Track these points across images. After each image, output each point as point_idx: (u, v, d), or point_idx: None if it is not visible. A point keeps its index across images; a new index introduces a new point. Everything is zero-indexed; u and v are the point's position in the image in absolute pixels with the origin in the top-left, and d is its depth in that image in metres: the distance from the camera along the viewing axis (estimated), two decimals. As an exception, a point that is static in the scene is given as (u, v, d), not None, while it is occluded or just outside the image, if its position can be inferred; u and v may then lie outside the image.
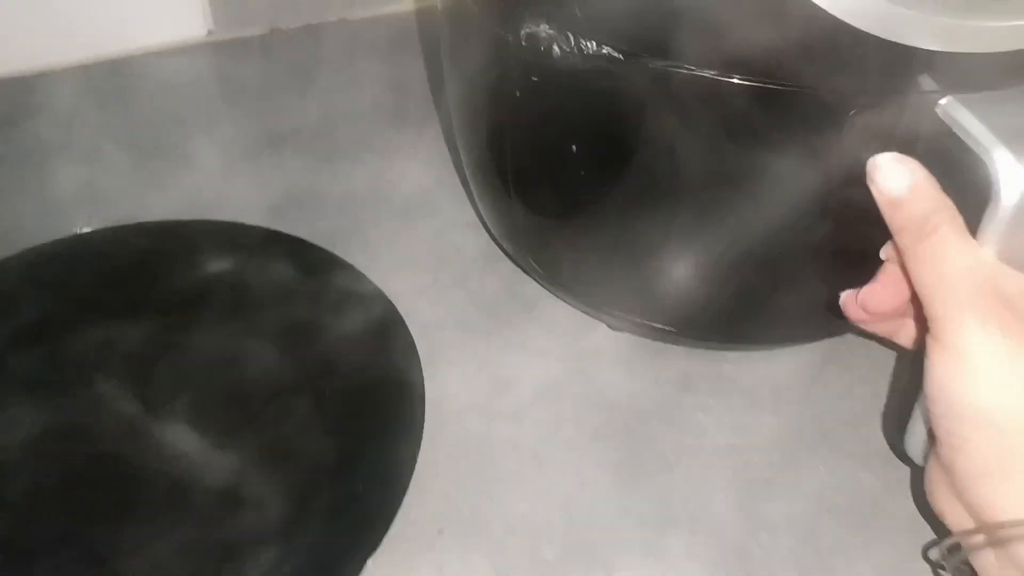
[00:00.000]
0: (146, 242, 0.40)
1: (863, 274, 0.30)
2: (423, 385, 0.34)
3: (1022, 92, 0.25)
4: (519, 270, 0.41)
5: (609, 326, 0.39)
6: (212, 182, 0.45)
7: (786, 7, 0.24)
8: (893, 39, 0.24)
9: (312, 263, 0.38)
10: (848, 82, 0.26)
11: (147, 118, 0.50)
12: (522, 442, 0.34)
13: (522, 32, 0.30)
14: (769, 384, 0.37)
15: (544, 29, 0.29)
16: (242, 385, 0.35)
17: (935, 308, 0.24)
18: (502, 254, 0.41)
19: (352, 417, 0.33)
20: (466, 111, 0.37)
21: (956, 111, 0.25)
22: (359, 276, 0.38)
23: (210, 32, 0.56)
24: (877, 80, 0.25)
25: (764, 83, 0.26)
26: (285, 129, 0.49)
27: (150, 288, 0.38)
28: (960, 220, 0.24)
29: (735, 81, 0.26)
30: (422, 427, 0.33)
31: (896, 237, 0.25)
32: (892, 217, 0.25)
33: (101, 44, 0.54)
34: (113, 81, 0.53)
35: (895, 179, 0.25)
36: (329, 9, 0.59)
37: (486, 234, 0.42)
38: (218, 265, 0.39)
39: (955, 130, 0.25)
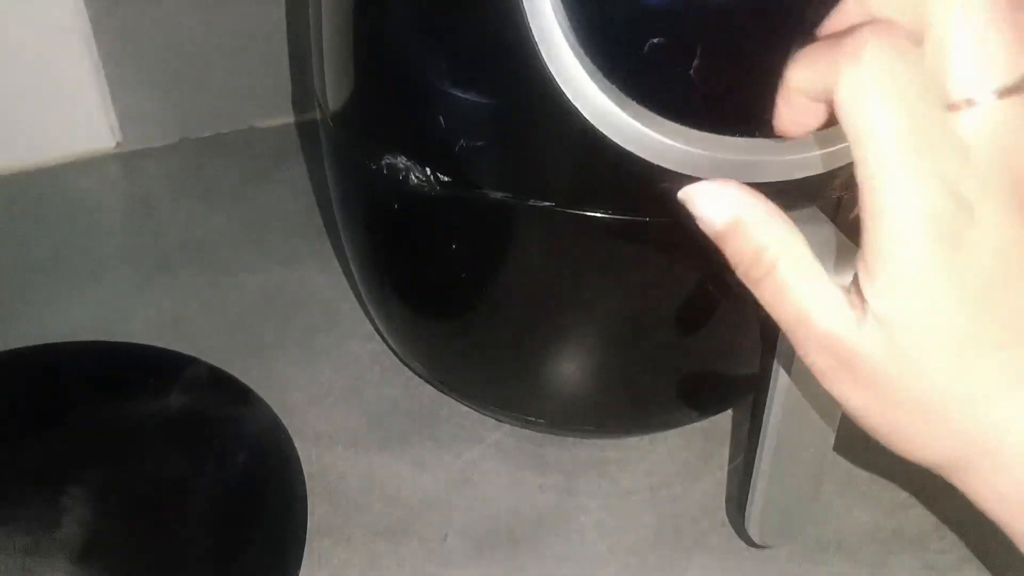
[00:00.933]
0: (37, 365, 0.40)
1: (726, 356, 0.31)
2: (306, 502, 0.34)
3: (809, 214, 0.28)
4: (416, 377, 0.42)
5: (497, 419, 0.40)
6: (113, 299, 0.46)
7: (605, 151, 0.26)
8: (688, 172, 0.27)
9: (202, 381, 0.39)
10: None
11: (50, 233, 0.50)
12: (408, 557, 0.34)
13: (382, 162, 0.31)
14: (648, 480, 0.38)
15: (401, 160, 0.31)
16: (120, 503, 0.35)
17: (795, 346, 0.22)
18: (399, 362, 0.42)
19: (231, 535, 0.33)
20: (348, 224, 0.39)
21: None
22: (248, 393, 0.38)
23: (118, 144, 0.57)
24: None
25: (590, 213, 0.28)
26: (189, 241, 0.50)
27: (35, 411, 0.38)
28: (803, 253, 0.21)
29: (560, 210, 0.28)
30: (303, 545, 0.33)
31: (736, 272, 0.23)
32: (723, 251, 0.22)
33: (5, 155, 0.54)
34: (16, 194, 0.53)
35: (712, 210, 0.22)
36: (239, 117, 0.60)
37: (383, 343, 0.43)
38: (108, 388, 0.39)
39: None
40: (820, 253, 0.21)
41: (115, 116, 0.56)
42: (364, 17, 0.30)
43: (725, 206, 0.21)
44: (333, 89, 0.33)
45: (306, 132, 0.60)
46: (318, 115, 0.35)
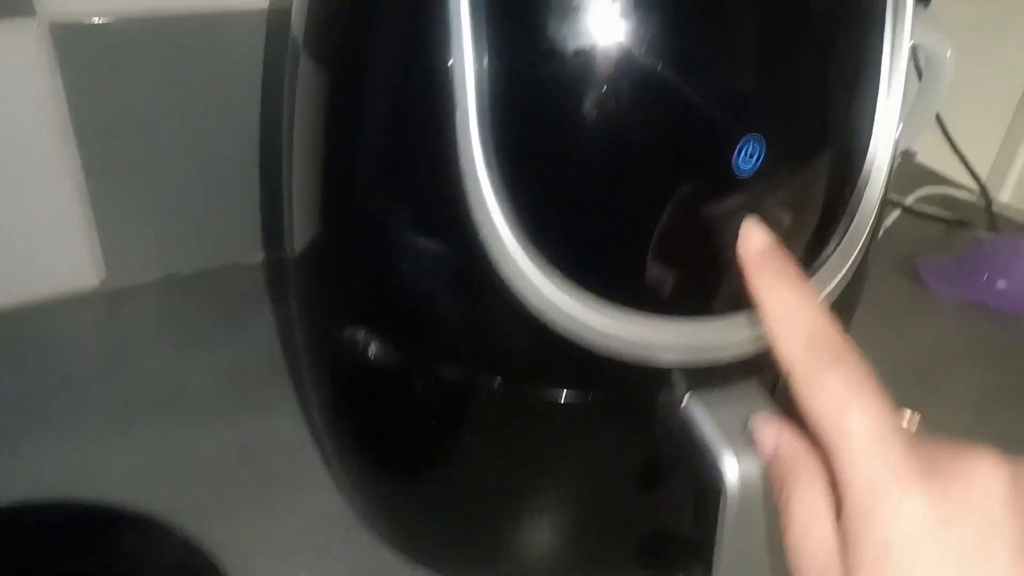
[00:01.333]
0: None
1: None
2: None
3: (754, 387, 0.29)
4: (378, 537, 0.41)
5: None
6: (82, 449, 0.45)
7: (555, 339, 0.27)
8: (643, 357, 0.27)
9: (158, 544, 0.38)
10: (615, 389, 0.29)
11: (24, 376, 0.50)
12: None
13: (344, 333, 0.32)
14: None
15: (358, 333, 0.32)
16: None
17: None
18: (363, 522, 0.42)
19: None
20: (312, 381, 0.39)
21: (696, 410, 0.29)
22: (202, 556, 0.38)
23: (102, 281, 0.59)
24: (633, 386, 0.29)
25: (539, 387, 0.29)
26: (166, 386, 0.50)
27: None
28: (812, 491, 0.24)
29: (509, 385, 0.29)
30: None
31: None
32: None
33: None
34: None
35: (762, 441, 0.26)
36: (226, 253, 0.61)
37: (348, 500, 0.43)
38: (67, 552, 0.38)
39: (695, 427, 0.28)
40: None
41: (100, 253, 0.58)
42: (320, 193, 0.32)
43: (771, 434, 0.26)
44: (298, 250, 0.34)
45: (281, 271, 0.61)
46: (289, 271, 0.37)
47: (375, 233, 0.29)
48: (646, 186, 0.26)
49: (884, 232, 0.71)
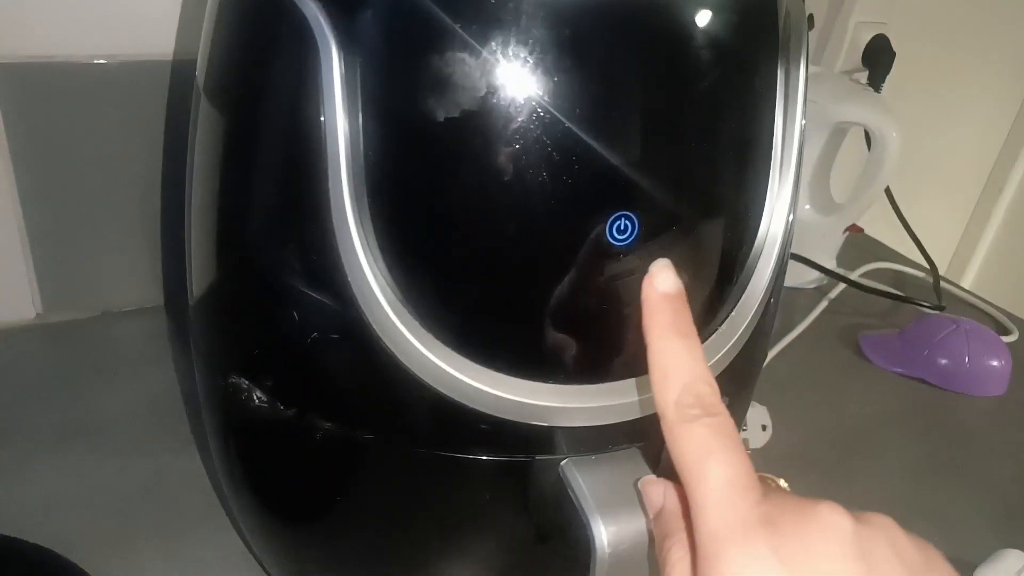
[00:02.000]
0: None
1: None
2: None
3: (628, 454, 0.29)
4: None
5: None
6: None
7: (430, 398, 0.27)
8: (525, 422, 0.27)
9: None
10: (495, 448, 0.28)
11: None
12: None
13: (231, 382, 0.32)
14: None
15: (243, 382, 0.31)
16: None
17: None
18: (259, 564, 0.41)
19: None
20: (210, 427, 0.39)
21: (572, 473, 0.29)
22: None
23: (38, 315, 0.58)
24: (510, 445, 0.28)
25: (415, 444, 0.28)
26: (83, 420, 0.50)
27: None
28: (687, 547, 0.24)
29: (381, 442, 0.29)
30: None
31: None
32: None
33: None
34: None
35: (649, 498, 0.27)
36: (156, 292, 0.61)
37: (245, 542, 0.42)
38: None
39: (570, 490, 0.28)
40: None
41: (37, 287, 0.58)
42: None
43: (659, 493, 0.26)
44: (195, 295, 0.34)
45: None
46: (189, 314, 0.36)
47: (256, 284, 0.29)
48: (519, 252, 0.26)
49: (829, 303, 0.72)
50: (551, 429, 0.28)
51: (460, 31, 0.24)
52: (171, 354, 0.56)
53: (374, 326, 0.26)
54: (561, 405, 0.27)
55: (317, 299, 0.27)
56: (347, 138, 0.25)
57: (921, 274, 0.79)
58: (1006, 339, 0.68)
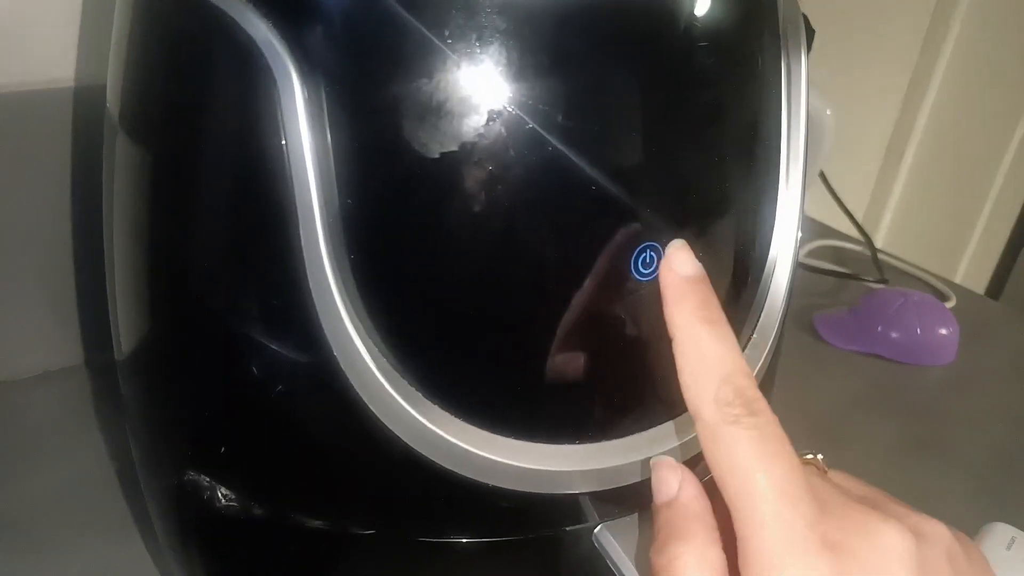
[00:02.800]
0: None
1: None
2: None
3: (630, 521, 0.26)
4: None
5: None
6: None
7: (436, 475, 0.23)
8: (553, 492, 0.24)
9: None
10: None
11: None
12: None
13: (185, 478, 0.27)
14: None
15: (204, 479, 0.26)
16: None
17: None
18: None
19: None
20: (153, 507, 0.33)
21: (606, 540, 0.25)
22: None
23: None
24: (535, 521, 0.25)
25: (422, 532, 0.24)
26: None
27: None
28: (709, 556, 0.21)
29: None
30: None
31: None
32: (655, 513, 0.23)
33: None
34: None
35: (661, 484, 0.23)
36: (59, 353, 0.53)
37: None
38: None
39: (609, 560, 0.25)
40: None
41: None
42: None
43: (676, 478, 0.22)
44: (126, 353, 0.28)
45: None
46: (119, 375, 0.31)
47: (208, 335, 0.24)
48: (534, 299, 0.22)
49: (779, 287, 0.71)
50: (582, 496, 0.24)
51: (447, 44, 0.20)
52: (96, 422, 0.49)
53: (364, 397, 0.22)
54: (594, 467, 0.24)
55: (287, 352, 0.23)
56: (317, 178, 0.20)
57: (858, 247, 0.79)
58: (947, 305, 0.69)
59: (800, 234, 0.30)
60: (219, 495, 0.26)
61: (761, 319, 0.28)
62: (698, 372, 0.21)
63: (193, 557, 0.30)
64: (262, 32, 0.19)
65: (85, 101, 0.47)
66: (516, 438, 0.23)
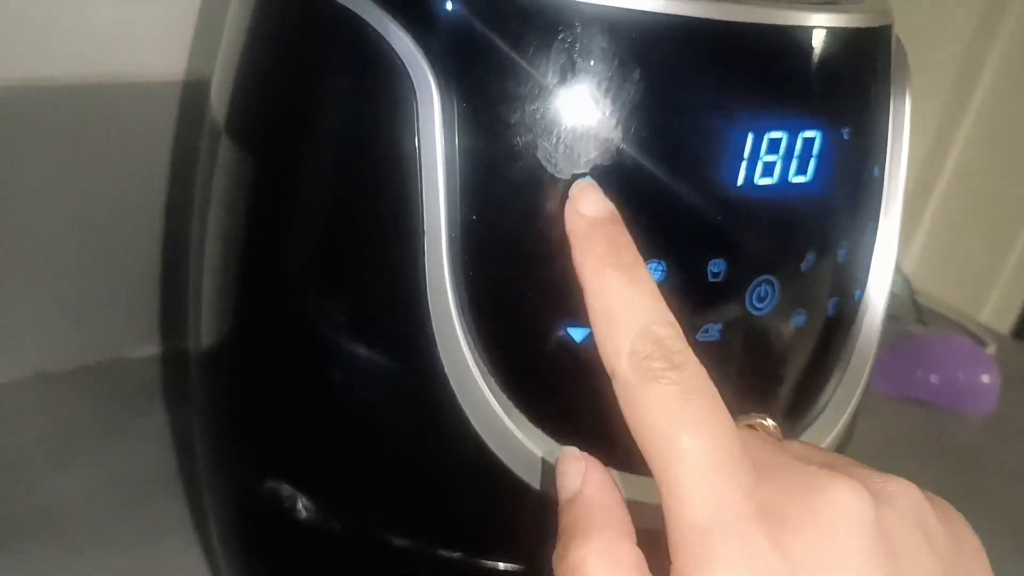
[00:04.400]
0: None
1: None
2: None
3: None
4: None
5: None
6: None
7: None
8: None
9: None
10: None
11: None
12: None
13: (265, 486, 0.26)
14: None
15: (285, 486, 0.26)
16: None
17: None
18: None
19: None
20: (215, 512, 0.33)
21: None
22: None
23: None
24: None
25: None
26: (37, 507, 0.42)
27: None
28: (621, 549, 0.18)
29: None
30: None
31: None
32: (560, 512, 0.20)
33: None
34: None
35: (565, 478, 0.20)
36: (108, 346, 0.53)
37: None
38: None
39: None
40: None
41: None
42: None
43: (579, 470, 0.19)
44: (205, 347, 0.28)
45: (179, 367, 0.54)
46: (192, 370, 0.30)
47: (312, 343, 0.23)
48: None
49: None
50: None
51: (586, 67, 0.20)
52: (127, 422, 0.49)
53: (472, 419, 0.21)
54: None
55: (400, 378, 0.22)
56: (447, 193, 0.20)
57: (892, 288, 0.79)
58: (987, 352, 0.69)
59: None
60: (300, 505, 0.26)
61: (852, 361, 0.28)
62: (610, 324, 0.18)
63: (255, 565, 0.29)
64: (404, 45, 0.19)
65: (158, 97, 0.47)
66: (619, 469, 0.22)
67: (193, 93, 0.48)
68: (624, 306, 0.18)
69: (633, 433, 0.18)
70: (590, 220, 0.19)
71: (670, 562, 0.17)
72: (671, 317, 0.18)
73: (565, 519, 0.19)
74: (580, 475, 0.19)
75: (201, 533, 0.41)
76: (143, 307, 0.53)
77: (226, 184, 0.25)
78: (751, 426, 0.20)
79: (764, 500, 0.17)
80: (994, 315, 1.19)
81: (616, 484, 0.19)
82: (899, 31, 0.29)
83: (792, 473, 0.17)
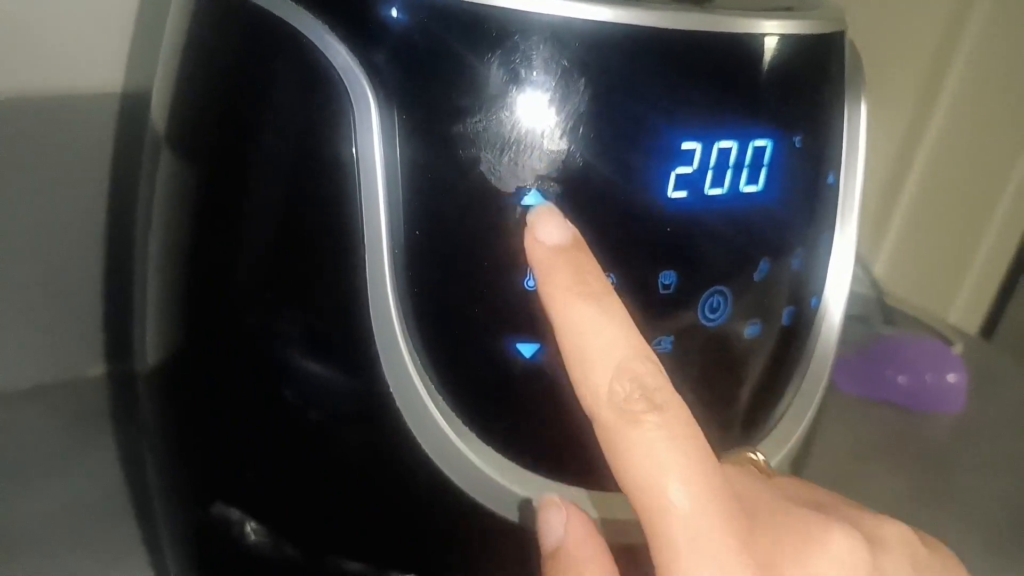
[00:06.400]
0: None
1: None
2: None
3: None
4: None
5: None
6: None
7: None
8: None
9: None
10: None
11: None
12: None
13: (213, 509, 0.25)
14: None
15: (233, 510, 0.25)
16: None
17: None
18: None
19: None
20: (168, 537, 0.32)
21: None
22: None
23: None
24: None
25: None
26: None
27: None
28: None
29: None
30: None
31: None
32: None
33: None
34: None
35: (546, 527, 0.19)
36: (61, 366, 0.52)
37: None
38: None
39: None
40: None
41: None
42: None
43: (561, 521, 0.19)
44: (151, 365, 0.27)
45: (129, 386, 0.52)
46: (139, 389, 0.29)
47: (254, 358, 0.23)
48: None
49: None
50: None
51: (528, 77, 0.19)
52: (94, 439, 0.48)
53: (418, 435, 0.21)
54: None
55: (342, 394, 0.22)
56: (387, 207, 0.19)
57: (861, 290, 0.80)
58: (954, 351, 0.69)
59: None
60: (248, 530, 0.25)
61: (810, 370, 0.27)
62: (584, 363, 0.17)
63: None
64: (341, 57, 0.18)
65: (98, 110, 0.46)
66: (572, 485, 0.22)
67: (133, 106, 0.47)
68: (597, 342, 0.17)
69: (618, 481, 0.17)
70: (551, 248, 0.18)
71: None
72: (647, 349, 0.17)
73: (549, 572, 0.18)
74: (561, 525, 0.18)
75: (157, 558, 0.41)
76: (99, 325, 0.52)
77: (167, 198, 0.24)
78: (744, 460, 0.20)
79: (760, 554, 0.16)
80: (962, 316, 1.21)
81: (597, 530, 0.19)
82: (864, 37, 0.28)
83: (785, 517, 0.17)
